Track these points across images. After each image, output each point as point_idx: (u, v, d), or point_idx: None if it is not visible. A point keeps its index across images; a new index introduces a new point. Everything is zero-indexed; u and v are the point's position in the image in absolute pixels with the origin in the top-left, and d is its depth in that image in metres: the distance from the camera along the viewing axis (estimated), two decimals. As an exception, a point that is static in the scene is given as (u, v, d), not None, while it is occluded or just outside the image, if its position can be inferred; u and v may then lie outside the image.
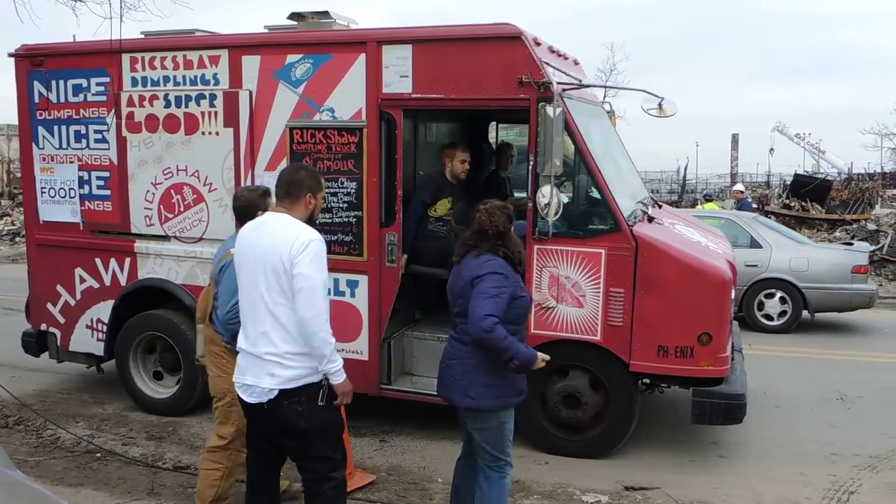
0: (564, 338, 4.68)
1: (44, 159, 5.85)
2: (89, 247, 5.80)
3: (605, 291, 4.56)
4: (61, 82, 5.71)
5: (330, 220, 5.07)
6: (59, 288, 5.94)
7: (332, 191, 5.03)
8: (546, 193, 4.37)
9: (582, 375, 4.77)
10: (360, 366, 5.14)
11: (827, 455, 5.07)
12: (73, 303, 5.91)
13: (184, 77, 5.32)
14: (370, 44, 4.81)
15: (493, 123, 6.79)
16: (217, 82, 5.23)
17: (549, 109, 4.26)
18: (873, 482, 4.62)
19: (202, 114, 5.27)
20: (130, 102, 5.48)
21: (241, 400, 3.20)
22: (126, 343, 5.75)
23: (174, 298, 5.62)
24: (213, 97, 5.23)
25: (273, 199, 3.41)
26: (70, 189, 5.80)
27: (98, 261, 5.78)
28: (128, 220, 5.64)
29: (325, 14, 5.17)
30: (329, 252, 4.69)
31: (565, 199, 4.37)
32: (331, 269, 4.69)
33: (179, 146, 5.38)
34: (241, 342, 3.19)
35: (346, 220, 5.04)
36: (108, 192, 5.69)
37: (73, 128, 5.72)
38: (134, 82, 5.48)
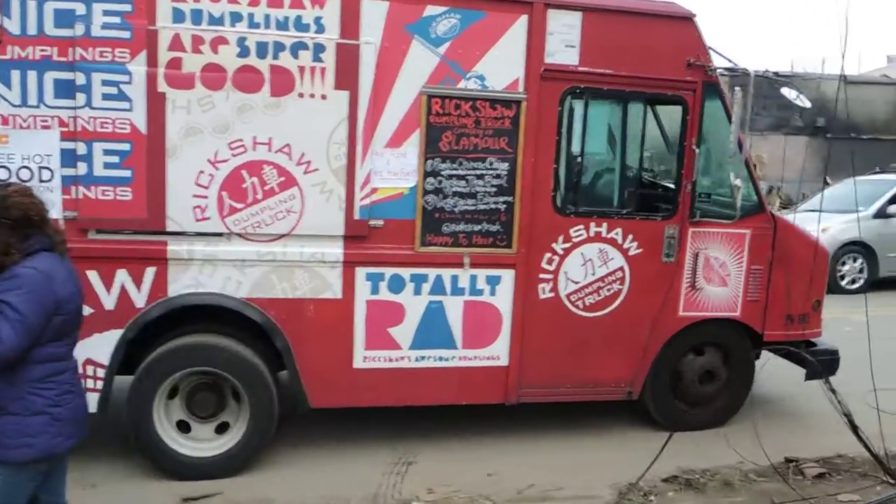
0: (708, 317, 4.81)
1: (-16, 121, 3.74)
2: (78, 255, 3.80)
3: (746, 269, 4.81)
4: (31, 3, 3.70)
5: (473, 207, 4.32)
6: None
7: (477, 172, 4.29)
8: (737, 177, 4.42)
9: (715, 352, 4.96)
10: (495, 374, 4.54)
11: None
12: (35, 341, 3.91)
13: (266, 17, 3.93)
14: (536, 6, 4.20)
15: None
16: (321, 29, 3.99)
17: (740, 92, 4.32)
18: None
19: (301, 69, 3.96)
20: (176, 44, 3.84)
21: None
22: (149, 388, 4.05)
23: (223, 319, 4.16)
24: (318, 48, 3.97)
25: None
26: (41, 168, 3.82)
27: (93, 275, 3.93)
28: (161, 214, 3.95)
29: None
30: (469, 245, 4.12)
31: (740, 183, 4.48)
32: (473, 265, 4.14)
33: (261, 111, 3.96)
34: None
35: (492, 206, 4.35)
36: (125, 174, 3.89)
37: (54, 74, 3.76)
38: (179, 16, 3.84)
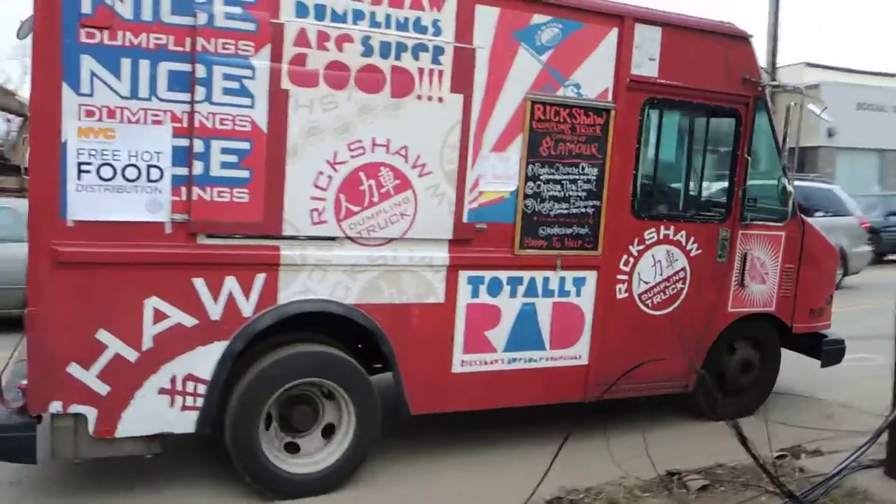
0: (751, 312, 5.25)
1: (91, 114, 3.37)
2: (183, 261, 3.62)
3: (781, 268, 5.31)
4: (146, -12, 3.40)
5: (566, 211, 4.45)
6: (101, 336, 3.52)
7: (571, 177, 4.44)
8: (790, 183, 4.88)
9: (748, 344, 5.41)
10: (576, 372, 4.70)
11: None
12: (132, 357, 3.58)
13: (387, 17, 3.85)
14: (627, 19, 4.43)
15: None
16: (438, 31, 3.96)
17: (796, 106, 4.79)
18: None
19: (420, 71, 3.92)
20: (302, 40, 3.67)
21: None
22: (257, 402, 3.81)
23: (315, 327, 4.02)
24: (438, 51, 3.95)
25: None
26: (150, 167, 3.50)
27: (200, 283, 3.66)
28: (278, 217, 3.74)
29: None
30: (561, 247, 4.34)
31: (792, 189, 4.95)
32: (563, 267, 4.35)
33: (381, 112, 3.87)
34: None
35: (583, 210, 4.50)
36: (243, 174, 3.65)
37: (168, 66, 3.47)
38: (302, 10, 3.68)
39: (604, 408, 4.77)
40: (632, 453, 4.20)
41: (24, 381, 3.54)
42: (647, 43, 4.53)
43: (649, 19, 4.51)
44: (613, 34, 4.42)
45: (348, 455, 4.04)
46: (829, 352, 5.60)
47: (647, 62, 4.55)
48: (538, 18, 4.20)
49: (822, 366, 5.65)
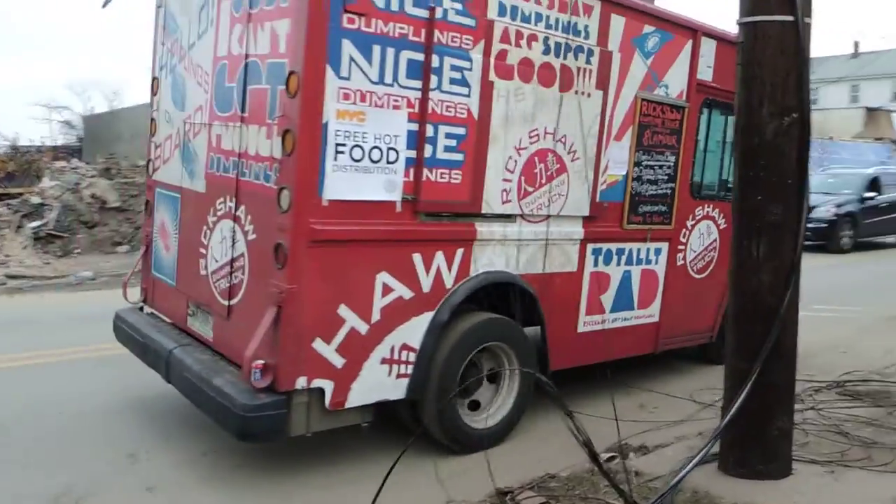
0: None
1: (347, 97, 3.54)
2: (408, 238, 3.91)
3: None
4: (396, -21, 3.62)
5: (655, 192, 5.29)
6: (341, 311, 3.71)
7: (659, 163, 5.28)
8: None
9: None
10: (651, 328, 5.60)
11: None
12: (363, 330, 3.81)
13: (556, 20, 4.37)
14: (698, 33, 5.34)
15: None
16: (587, 35, 4.56)
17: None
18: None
19: (578, 70, 4.50)
20: (505, 37, 4.07)
21: None
22: (454, 367, 4.18)
23: (505, 295, 4.49)
24: (589, 53, 4.55)
25: None
26: (389, 149, 3.74)
27: (417, 258, 3.96)
28: (479, 197, 4.14)
29: None
30: (650, 222, 5.31)
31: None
32: (653, 239, 5.31)
33: (551, 104, 4.39)
34: None
35: (664, 191, 5.37)
36: (459, 157, 3.99)
37: (408, 55, 3.72)
38: (502, 10, 4.08)
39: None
40: (462, 468, 4.04)
41: (259, 361, 3.57)
42: (707, 53, 5.49)
43: (710, 33, 5.47)
44: (689, 45, 5.31)
45: (513, 411, 4.53)
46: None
47: (705, 68, 5.51)
48: (647, 28, 4.96)
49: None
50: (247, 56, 3.84)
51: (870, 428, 4.45)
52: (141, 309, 5.01)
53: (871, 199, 16.10)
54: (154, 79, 4.90)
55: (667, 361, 6.31)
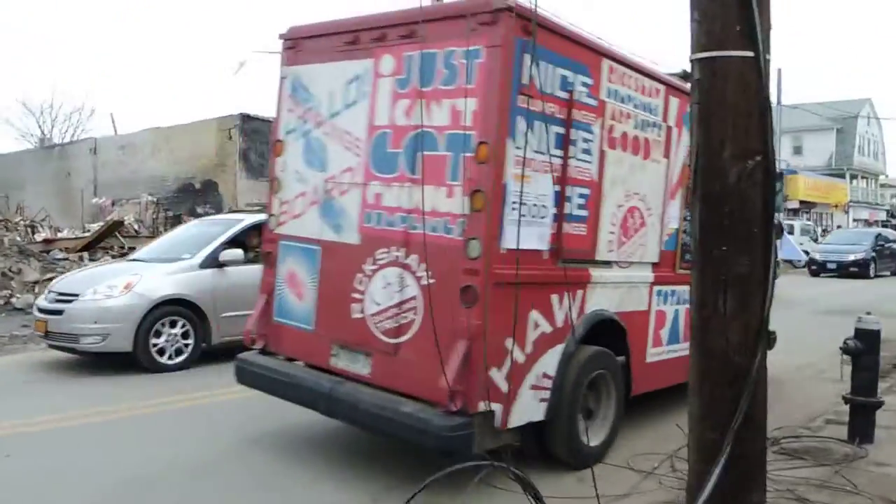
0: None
1: (519, 163, 4.27)
2: (550, 281, 4.63)
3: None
4: (549, 68, 4.44)
5: (695, 242, 6.29)
6: (507, 343, 4.35)
7: (697, 219, 6.30)
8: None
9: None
10: (689, 359, 6.51)
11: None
12: (521, 360, 4.47)
13: (639, 102, 5.33)
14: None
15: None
16: (657, 113, 5.55)
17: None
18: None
19: (653, 141, 5.46)
20: (614, 115, 4.96)
21: None
22: (577, 392, 4.88)
23: (603, 330, 5.26)
24: (659, 127, 5.53)
25: None
26: (542, 206, 4.48)
27: (555, 297, 4.68)
28: (594, 246, 4.94)
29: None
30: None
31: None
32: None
33: (638, 169, 5.30)
34: None
35: (700, 242, 6.37)
36: (585, 213, 4.79)
37: (555, 129, 4.52)
38: (608, 93, 4.98)
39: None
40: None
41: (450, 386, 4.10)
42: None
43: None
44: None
45: (613, 429, 5.24)
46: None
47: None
48: (689, 106, 6.02)
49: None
50: (418, 127, 4.46)
51: (825, 491, 4.40)
52: (262, 353, 5.33)
53: None
54: (278, 141, 5.37)
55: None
